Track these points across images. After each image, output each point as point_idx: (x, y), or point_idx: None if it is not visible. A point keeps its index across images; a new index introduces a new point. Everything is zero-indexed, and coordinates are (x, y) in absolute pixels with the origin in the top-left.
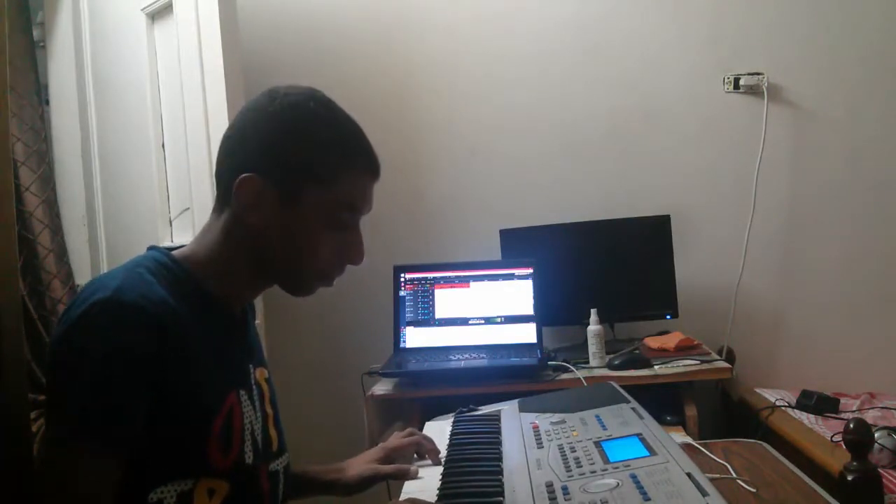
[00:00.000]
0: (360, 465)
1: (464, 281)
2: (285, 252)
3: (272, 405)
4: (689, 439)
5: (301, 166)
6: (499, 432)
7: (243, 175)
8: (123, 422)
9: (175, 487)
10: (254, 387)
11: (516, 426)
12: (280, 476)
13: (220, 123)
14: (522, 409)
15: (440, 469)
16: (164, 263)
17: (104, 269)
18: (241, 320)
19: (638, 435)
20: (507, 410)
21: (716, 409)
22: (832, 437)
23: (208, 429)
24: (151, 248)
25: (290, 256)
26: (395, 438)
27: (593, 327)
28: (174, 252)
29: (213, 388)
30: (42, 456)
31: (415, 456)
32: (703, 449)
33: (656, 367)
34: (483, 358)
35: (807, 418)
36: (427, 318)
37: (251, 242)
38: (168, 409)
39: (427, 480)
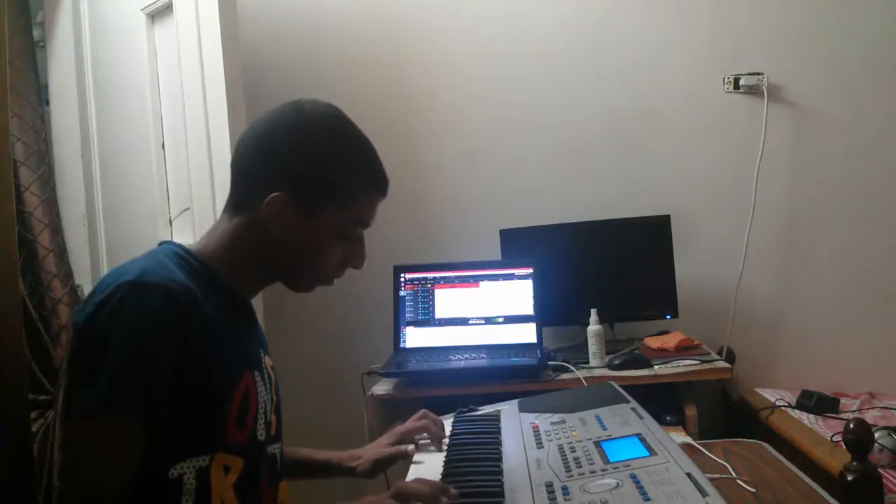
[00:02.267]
0: (373, 450)
1: (464, 281)
2: (295, 259)
3: (276, 392)
4: (689, 439)
5: (326, 188)
6: (499, 432)
7: (275, 193)
8: (153, 394)
9: (193, 463)
10: (265, 371)
11: (516, 426)
12: (277, 459)
13: (220, 123)
14: (522, 409)
15: (440, 469)
16: (181, 254)
17: (104, 268)
18: (250, 309)
19: (638, 435)
20: (507, 410)
21: (716, 409)
22: (832, 437)
23: (227, 406)
24: (164, 242)
25: (299, 262)
26: (410, 422)
27: (593, 327)
28: (187, 245)
29: (231, 367)
30: (68, 431)
31: (420, 440)
32: (703, 449)
33: (656, 367)
34: (483, 358)
35: (807, 418)
36: (427, 318)
37: (265, 246)
38: (189, 385)
39: (427, 479)
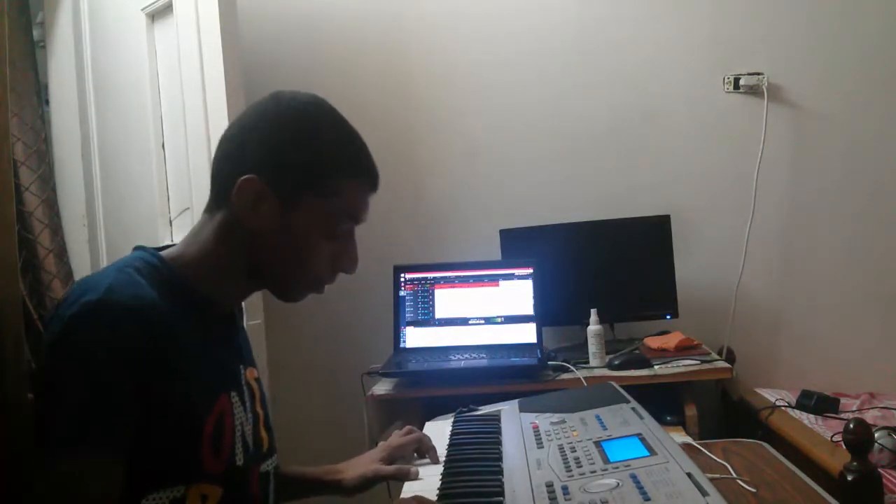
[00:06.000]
0: (362, 464)
1: (464, 281)
2: (279, 256)
3: (262, 406)
4: (689, 439)
5: (302, 172)
6: (499, 432)
7: (245, 176)
8: (123, 426)
9: (167, 494)
10: (244, 388)
11: (516, 426)
12: (270, 477)
13: (220, 123)
14: (522, 409)
15: (440, 469)
16: (153, 264)
17: None
18: (230, 321)
19: (638, 435)
20: (507, 410)
21: (716, 409)
22: (832, 437)
23: (200, 431)
24: (138, 248)
25: (284, 260)
26: (396, 437)
27: (593, 327)
28: (162, 252)
29: (204, 390)
30: (43, 466)
31: (415, 455)
32: (703, 449)
33: (656, 367)
34: (483, 358)
35: (807, 418)
36: (427, 318)
37: (246, 245)
38: (160, 412)
39: (427, 480)
